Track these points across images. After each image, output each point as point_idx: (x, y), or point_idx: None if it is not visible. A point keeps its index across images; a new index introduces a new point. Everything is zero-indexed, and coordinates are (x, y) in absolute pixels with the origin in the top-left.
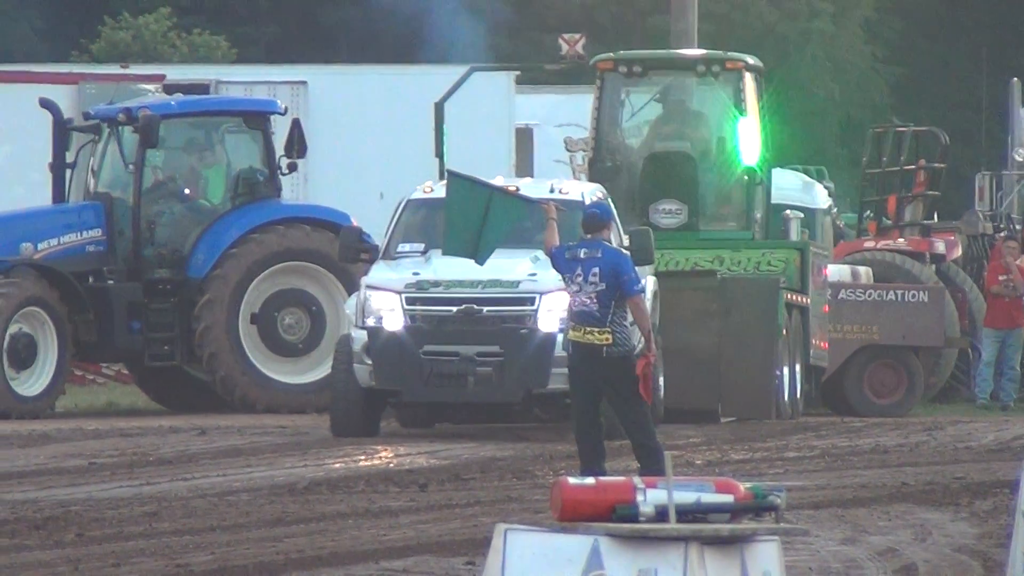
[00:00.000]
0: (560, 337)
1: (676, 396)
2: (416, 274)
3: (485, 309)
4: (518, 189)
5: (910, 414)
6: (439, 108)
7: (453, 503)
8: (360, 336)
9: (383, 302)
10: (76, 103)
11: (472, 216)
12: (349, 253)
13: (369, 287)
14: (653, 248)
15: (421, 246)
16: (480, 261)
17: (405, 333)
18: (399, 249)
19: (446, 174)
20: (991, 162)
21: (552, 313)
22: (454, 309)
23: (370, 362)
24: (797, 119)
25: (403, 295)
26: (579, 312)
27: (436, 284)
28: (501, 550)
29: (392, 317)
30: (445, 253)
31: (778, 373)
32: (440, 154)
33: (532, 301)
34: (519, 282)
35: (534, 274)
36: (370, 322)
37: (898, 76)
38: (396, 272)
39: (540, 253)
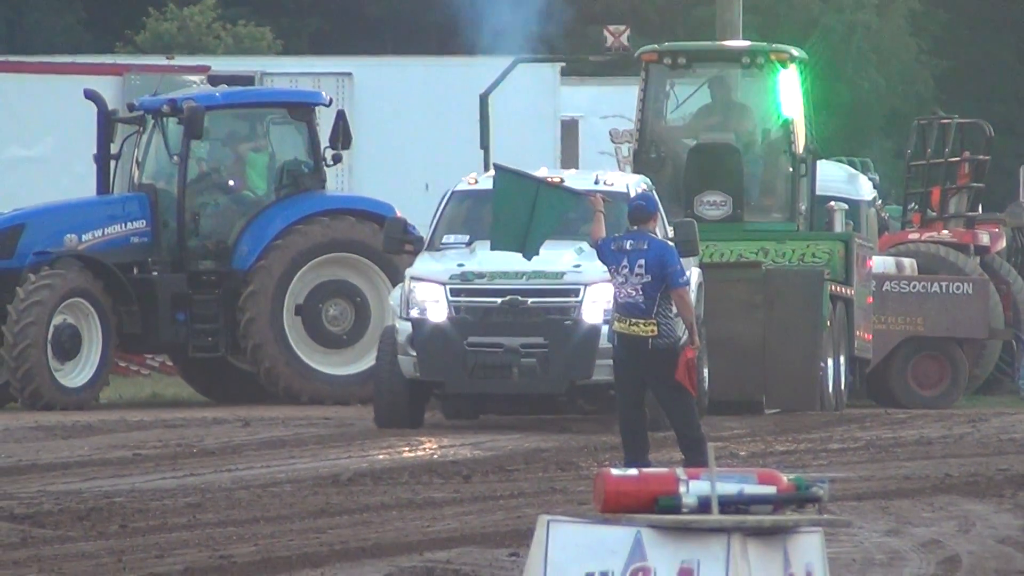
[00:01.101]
0: (605, 328)
1: (721, 387)
2: (460, 265)
3: (530, 300)
4: (563, 181)
5: (954, 406)
6: (484, 100)
7: (497, 494)
8: (404, 327)
9: (427, 293)
10: (121, 94)
11: (520, 210)
12: (393, 244)
13: (413, 278)
14: (698, 240)
15: (466, 237)
16: (528, 256)
17: (449, 324)
18: (444, 240)
19: (493, 168)
20: None
21: (596, 304)
22: (498, 300)
23: (414, 353)
24: (842, 111)
25: (447, 286)
26: (624, 304)
27: (480, 275)
28: (544, 541)
29: (436, 308)
30: (493, 248)
31: (822, 365)
32: (485, 146)
33: (576, 292)
34: (563, 273)
35: (578, 265)
36: (414, 313)
37: (943, 68)
38: (440, 263)
39: (584, 244)
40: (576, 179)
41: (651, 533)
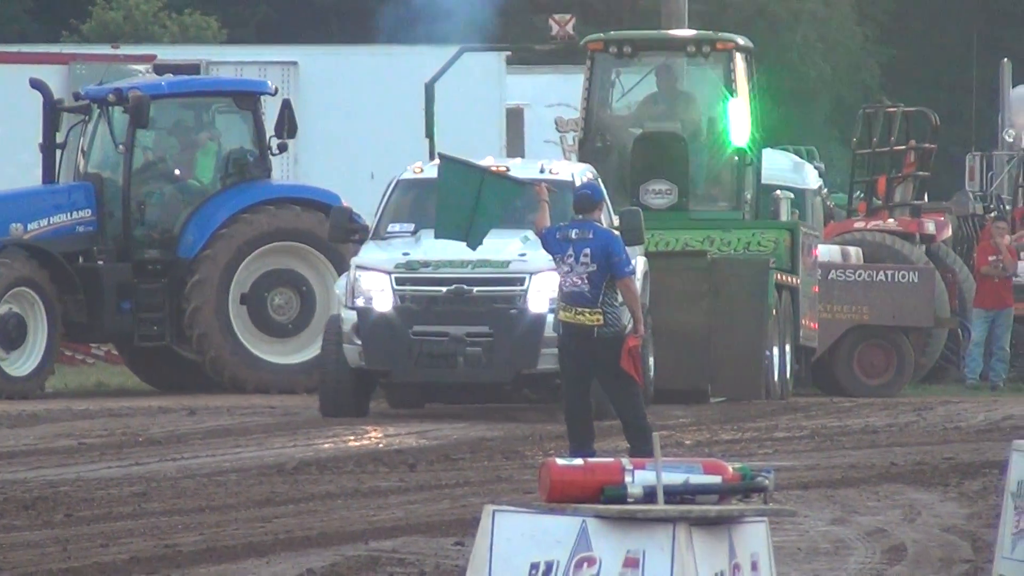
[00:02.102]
0: (550, 317)
1: (666, 376)
2: (406, 254)
3: (475, 289)
4: (508, 170)
5: (900, 394)
6: (429, 88)
7: (442, 483)
8: (350, 316)
9: (373, 282)
10: (66, 83)
11: (464, 200)
12: (339, 233)
13: (359, 267)
14: (643, 228)
15: (411, 226)
16: (472, 245)
17: (395, 313)
18: (389, 229)
19: (438, 158)
20: (981, 142)
21: (542, 293)
22: (444, 289)
23: (359, 342)
24: (788, 99)
25: (393, 275)
26: (570, 293)
27: (426, 264)
28: (489, 531)
29: (382, 297)
30: (437, 237)
31: (768, 353)
32: (430, 134)
33: (522, 281)
34: (509, 262)
35: (524, 254)
36: (360, 302)
37: (889, 57)
38: (386, 252)
39: (530, 233)
40: (521, 168)
41: (597, 523)
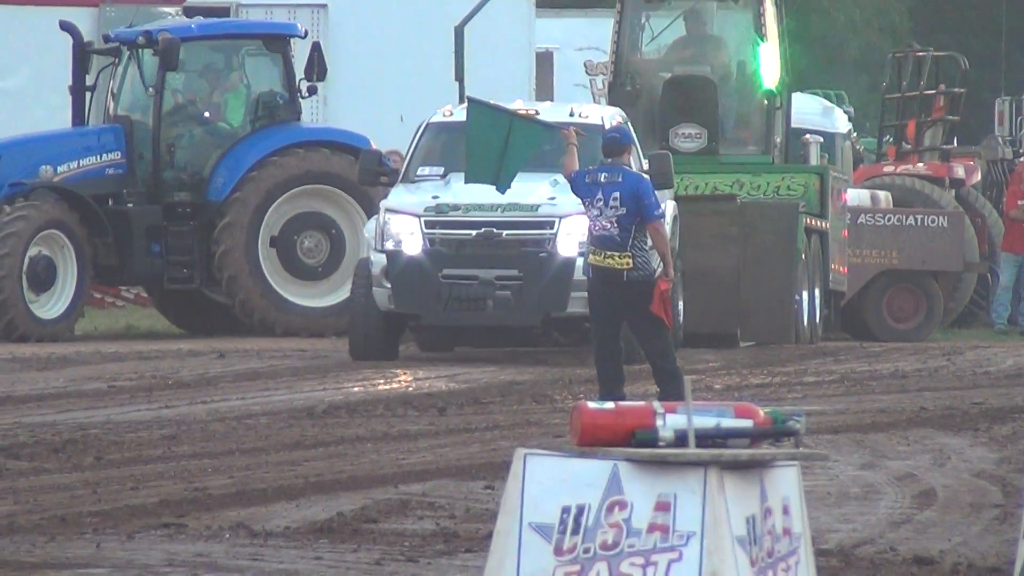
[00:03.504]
0: (580, 261)
1: (695, 320)
2: (435, 197)
3: (504, 233)
4: (537, 113)
5: (929, 339)
6: (459, 32)
7: (472, 427)
8: (379, 260)
9: (402, 226)
10: (96, 26)
11: (493, 143)
12: (368, 176)
13: (388, 210)
14: (673, 172)
15: (440, 170)
16: (501, 189)
17: (424, 257)
18: (418, 173)
19: (466, 101)
20: (1011, 87)
21: (571, 237)
22: (473, 233)
23: (389, 286)
24: (817, 44)
25: (422, 219)
26: (599, 236)
27: (455, 208)
28: (521, 474)
29: (411, 241)
30: (467, 181)
31: (797, 298)
32: (460, 78)
33: (551, 225)
34: (538, 206)
35: (553, 198)
36: (389, 246)
37: (918, 1)
38: (415, 195)
39: (559, 177)
40: (551, 111)
41: (628, 467)
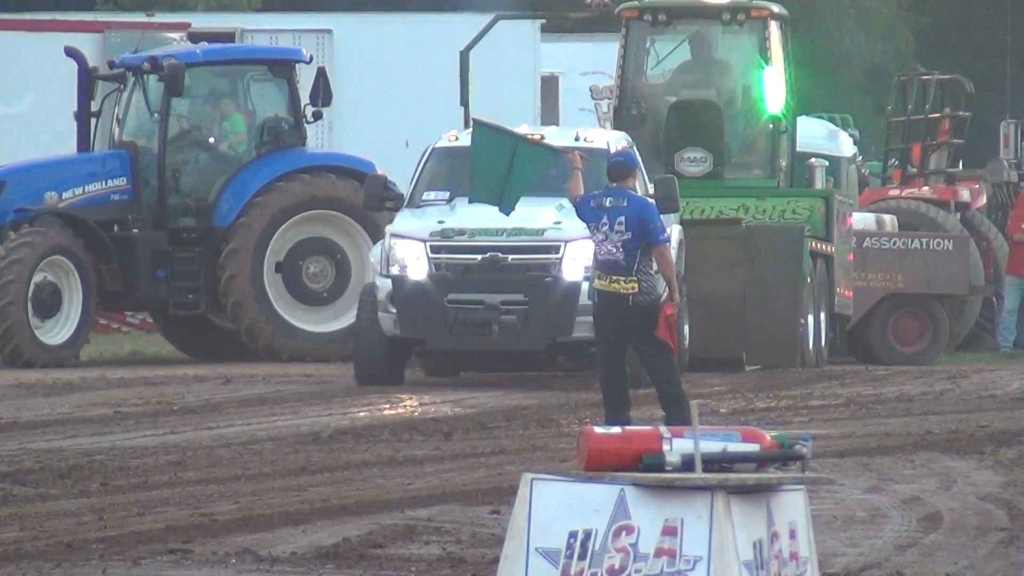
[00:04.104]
0: (585, 285)
1: (701, 344)
2: (441, 222)
3: (510, 257)
4: (543, 137)
5: (934, 362)
6: (464, 56)
7: (478, 452)
8: (385, 284)
9: (408, 250)
10: (101, 51)
11: (498, 165)
12: (374, 201)
13: (394, 235)
14: (678, 196)
15: (446, 194)
16: (505, 211)
17: (430, 281)
18: (424, 197)
19: (471, 123)
20: (1016, 110)
21: (577, 261)
22: (479, 257)
23: (395, 311)
24: (822, 67)
25: (428, 243)
26: (605, 261)
27: (461, 232)
28: (528, 499)
29: (417, 265)
30: (471, 201)
31: (803, 321)
32: (465, 103)
33: (557, 249)
34: (544, 230)
35: (559, 222)
36: (395, 270)
37: (923, 24)
38: (421, 220)
39: (565, 201)
40: (556, 136)
41: (635, 491)
